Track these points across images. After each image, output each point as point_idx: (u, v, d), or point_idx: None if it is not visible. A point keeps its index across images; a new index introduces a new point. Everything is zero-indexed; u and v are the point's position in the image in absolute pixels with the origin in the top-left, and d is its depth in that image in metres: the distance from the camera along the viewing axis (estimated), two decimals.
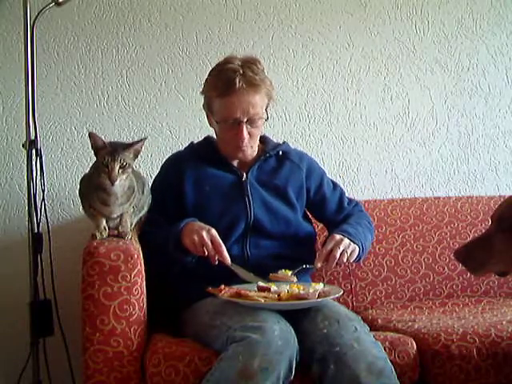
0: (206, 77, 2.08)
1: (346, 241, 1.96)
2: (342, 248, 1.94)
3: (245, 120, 1.97)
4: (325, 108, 2.67)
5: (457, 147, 2.77)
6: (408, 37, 2.72)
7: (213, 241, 1.87)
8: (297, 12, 2.63)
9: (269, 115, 2.07)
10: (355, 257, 1.99)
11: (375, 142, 2.70)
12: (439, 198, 2.60)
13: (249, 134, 2.00)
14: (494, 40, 2.78)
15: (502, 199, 2.59)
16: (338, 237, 1.97)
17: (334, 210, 2.17)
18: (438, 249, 2.44)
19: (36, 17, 2.15)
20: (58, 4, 2.18)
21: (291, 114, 2.63)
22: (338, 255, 1.92)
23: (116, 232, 1.90)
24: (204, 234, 1.87)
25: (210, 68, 2.05)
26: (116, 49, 2.51)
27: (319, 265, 1.95)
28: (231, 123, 1.98)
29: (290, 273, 1.91)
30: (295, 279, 1.90)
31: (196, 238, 1.87)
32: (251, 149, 2.05)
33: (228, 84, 1.95)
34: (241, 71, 1.96)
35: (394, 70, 2.71)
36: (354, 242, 1.98)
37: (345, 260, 1.95)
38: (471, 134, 2.78)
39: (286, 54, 2.63)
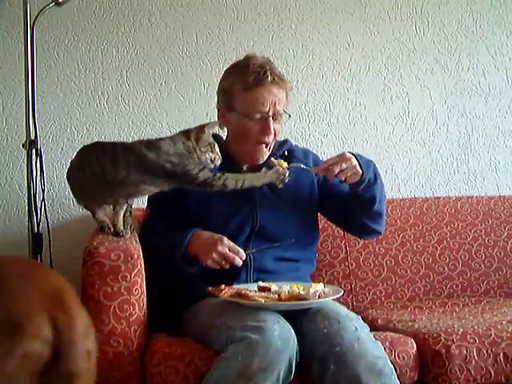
0: (224, 75, 2.05)
1: (353, 161, 1.88)
2: (344, 166, 1.86)
3: (271, 114, 1.97)
4: (325, 108, 2.67)
5: (457, 147, 2.77)
6: (408, 37, 2.72)
7: (229, 249, 1.87)
8: (297, 12, 2.64)
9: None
10: (355, 181, 1.91)
11: (375, 142, 2.70)
12: (439, 197, 2.60)
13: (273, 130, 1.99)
14: (494, 40, 2.78)
15: (502, 199, 2.62)
16: (347, 154, 1.89)
17: (347, 190, 2.06)
18: (438, 249, 2.44)
19: (36, 17, 2.15)
20: (58, 4, 2.18)
21: (291, 114, 2.62)
22: (336, 171, 1.87)
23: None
24: (220, 248, 1.86)
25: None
26: (116, 49, 2.51)
27: (315, 171, 1.96)
28: (258, 118, 1.97)
29: (285, 164, 1.91)
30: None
31: (215, 255, 1.86)
32: (268, 150, 2.03)
33: (259, 77, 1.94)
34: (267, 67, 1.97)
35: (394, 70, 2.71)
36: (361, 167, 1.89)
37: (342, 179, 1.89)
38: (471, 134, 2.78)
39: (285, 54, 2.63)
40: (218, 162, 1.91)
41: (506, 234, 2.50)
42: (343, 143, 2.67)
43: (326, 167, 1.90)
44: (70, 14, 2.46)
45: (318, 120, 2.66)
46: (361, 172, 1.90)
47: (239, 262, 1.87)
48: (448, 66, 2.75)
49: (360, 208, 2.03)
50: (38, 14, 2.15)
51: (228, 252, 1.86)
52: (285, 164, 1.91)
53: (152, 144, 1.86)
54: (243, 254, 1.88)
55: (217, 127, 2.01)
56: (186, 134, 1.90)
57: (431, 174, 2.75)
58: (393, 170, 2.72)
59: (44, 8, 2.17)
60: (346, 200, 2.05)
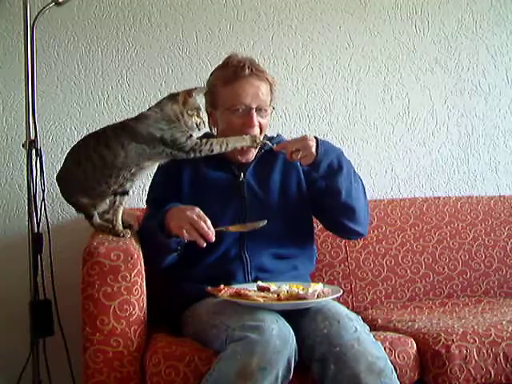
0: (209, 77, 2.07)
1: (310, 143, 1.87)
2: (299, 145, 1.88)
3: (254, 107, 1.97)
4: (325, 108, 2.67)
5: (457, 147, 2.77)
6: (408, 37, 2.72)
7: (199, 217, 1.81)
8: (297, 12, 2.64)
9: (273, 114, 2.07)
10: (307, 163, 1.90)
11: (375, 142, 2.70)
12: (439, 197, 2.60)
13: (258, 123, 1.99)
14: (494, 40, 2.78)
15: (502, 199, 2.62)
16: (307, 136, 1.90)
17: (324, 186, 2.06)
18: (438, 249, 2.44)
19: (36, 17, 2.15)
20: (58, 4, 2.18)
21: (291, 114, 2.63)
22: (290, 148, 1.88)
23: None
24: (189, 213, 1.81)
25: (211, 68, 2.04)
26: (116, 49, 2.51)
27: (275, 146, 1.96)
28: (241, 111, 1.97)
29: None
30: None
31: (183, 221, 1.80)
32: (255, 149, 2.02)
33: (237, 70, 1.97)
34: (246, 61, 1.99)
35: (394, 70, 2.72)
36: (317, 152, 1.88)
37: (296, 158, 1.89)
38: (471, 134, 2.78)
39: (285, 54, 2.63)
40: (203, 127, 1.94)
41: (505, 233, 2.50)
42: (343, 143, 2.66)
43: (284, 145, 1.93)
44: (70, 13, 2.46)
45: (318, 120, 2.67)
46: (315, 154, 1.88)
47: (210, 234, 1.80)
48: (448, 66, 2.75)
49: (328, 200, 2.00)
50: (38, 14, 2.16)
51: (198, 220, 1.80)
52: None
53: (139, 116, 1.91)
54: (213, 232, 1.81)
55: (203, 93, 2.02)
56: (173, 97, 1.94)
57: (431, 174, 2.75)
58: (393, 170, 2.72)
59: (44, 8, 2.17)
60: (322, 195, 2.04)
